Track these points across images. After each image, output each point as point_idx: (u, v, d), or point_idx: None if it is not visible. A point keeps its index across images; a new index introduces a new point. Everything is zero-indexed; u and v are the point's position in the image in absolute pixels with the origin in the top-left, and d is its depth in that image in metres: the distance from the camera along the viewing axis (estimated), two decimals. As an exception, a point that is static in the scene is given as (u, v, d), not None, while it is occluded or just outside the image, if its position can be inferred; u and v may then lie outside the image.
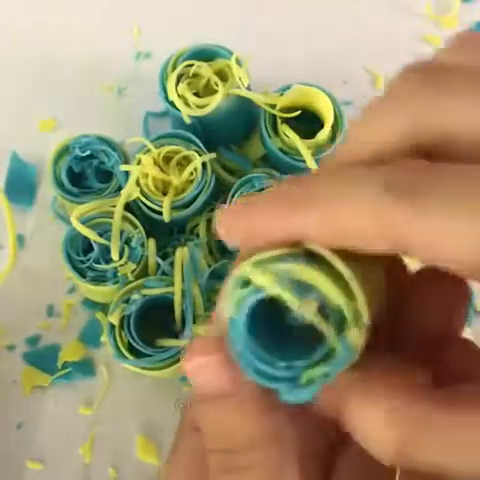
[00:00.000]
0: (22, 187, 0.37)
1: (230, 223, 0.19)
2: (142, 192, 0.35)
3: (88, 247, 0.35)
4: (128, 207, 0.35)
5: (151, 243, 0.35)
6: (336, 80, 0.38)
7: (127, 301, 0.33)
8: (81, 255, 0.34)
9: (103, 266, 0.34)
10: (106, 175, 0.37)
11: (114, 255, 0.34)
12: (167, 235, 0.37)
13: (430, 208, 0.16)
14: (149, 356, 0.33)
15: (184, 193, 0.35)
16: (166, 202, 0.34)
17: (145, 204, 0.35)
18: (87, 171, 0.37)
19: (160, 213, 0.35)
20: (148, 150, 0.35)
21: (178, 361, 0.33)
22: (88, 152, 0.36)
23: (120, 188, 0.35)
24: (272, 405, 0.19)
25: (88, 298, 0.37)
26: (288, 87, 0.36)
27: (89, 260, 0.34)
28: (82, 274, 0.34)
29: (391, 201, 0.16)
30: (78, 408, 0.35)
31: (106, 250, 0.34)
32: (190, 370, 0.19)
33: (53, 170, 0.36)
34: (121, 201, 0.34)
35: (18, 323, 0.37)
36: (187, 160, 0.36)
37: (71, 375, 0.36)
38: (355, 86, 0.42)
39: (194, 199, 0.35)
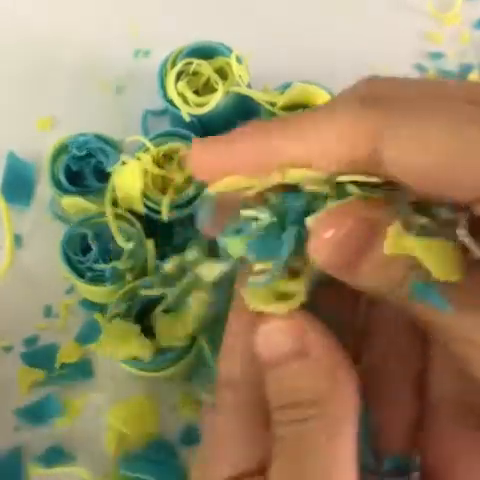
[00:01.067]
0: (19, 186, 0.37)
1: (204, 158, 0.22)
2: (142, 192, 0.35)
3: (86, 247, 0.34)
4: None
5: (150, 243, 0.34)
6: (337, 78, 0.37)
7: (126, 301, 0.33)
8: (79, 255, 0.34)
9: (102, 266, 0.34)
10: (105, 174, 0.36)
11: (120, 241, 0.33)
12: (167, 235, 0.36)
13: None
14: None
15: (184, 192, 0.35)
16: (165, 201, 0.34)
17: (144, 203, 0.35)
18: (85, 170, 0.36)
19: (159, 212, 0.34)
20: (147, 149, 0.35)
21: (177, 362, 0.33)
22: (85, 152, 0.36)
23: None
24: (342, 360, 0.22)
25: (86, 298, 0.36)
26: (288, 85, 0.36)
27: (88, 260, 0.34)
28: (80, 274, 0.34)
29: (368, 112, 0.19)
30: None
31: (105, 250, 0.34)
32: (262, 334, 0.22)
33: (51, 169, 0.36)
34: (108, 197, 0.34)
35: (15, 324, 0.37)
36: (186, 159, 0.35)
37: (69, 376, 0.35)
38: (356, 84, 0.42)
39: (194, 198, 0.35)
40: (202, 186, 0.35)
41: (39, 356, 0.36)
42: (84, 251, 0.34)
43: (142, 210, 0.34)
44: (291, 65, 0.39)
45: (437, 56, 0.43)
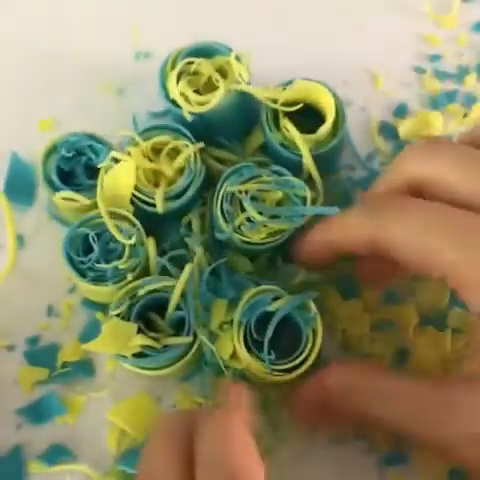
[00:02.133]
0: (22, 187, 0.37)
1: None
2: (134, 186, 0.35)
3: (88, 248, 0.35)
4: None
5: (150, 242, 0.35)
6: (336, 80, 0.38)
7: (126, 301, 0.33)
8: (81, 255, 0.34)
9: (103, 266, 0.34)
10: (96, 171, 0.36)
11: (119, 237, 0.34)
12: (162, 229, 0.37)
13: (390, 226, 0.30)
14: (149, 356, 0.33)
15: (175, 184, 0.35)
16: (159, 193, 0.34)
17: (138, 197, 0.35)
18: (76, 169, 0.37)
19: (153, 205, 0.35)
20: (137, 143, 0.35)
21: (178, 361, 0.33)
22: (73, 153, 0.36)
23: None
24: None
25: (88, 298, 0.37)
26: (290, 82, 0.36)
27: (89, 261, 0.34)
28: (82, 274, 0.34)
29: (372, 222, 0.31)
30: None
31: (106, 250, 0.34)
32: None
33: (43, 171, 0.36)
34: (99, 193, 0.34)
35: (18, 323, 0.37)
36: (175, 151, 0.36)
37: (70, 375, 0.35)
38: (355, 86, 0.42)
39: (186, 189, 0.35)
40: (193, 176, 0.35)
41: (41, 355, 0.36)
42: (86, 251, 0.35)
43: (130, 209, 0.35)
44: (290, 67, 0.39)
45: (435, 58, 0.43)
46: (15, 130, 0.41)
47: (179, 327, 0.33)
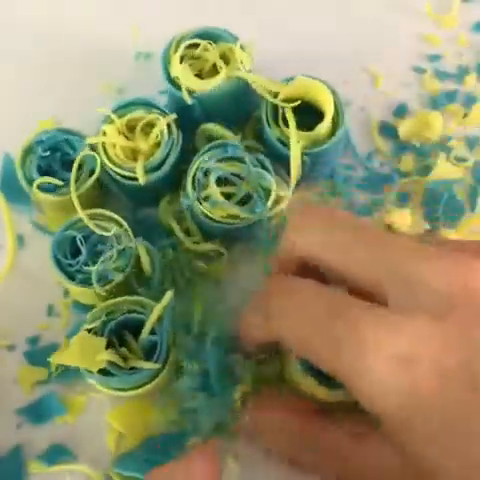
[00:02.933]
0: (21, 187, 0.37)
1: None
2: (114, 163, 0.35)
3: (76, 251, 0.35)
4: (102, 186, 0.37)
5: (142, 248, 0.34)
6: (336, 80, 0.38)
7: (101, 318, 0.33)
8: (69, 258, 0.34)
9: (91, 268, 0.34)
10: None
11: (98, 231, 0.34)
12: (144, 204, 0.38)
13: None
14: (115, 376, 0.32)
15: (153, 157, 0.35)
16: (139, 165, 0.35)
17: (118, 173, 0.35)
18: (54, 166, 0.37)
19: (135, 179, 0.35)
20: (112, 121, 0.36)
21: (144, 385, 0.32)
22: (49, 152, 0.36)
23: (93, 172, 0.36)
24: None
25: (78, 301, 0.37)
26: (291, 79, 0.36)
27: (77, 263, 0.34)
28: (71, 277, 0.34)
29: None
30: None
31: (94, 253, 0.34)
32: None
33: (23, 173, 0.36)
34: (73, 177, 0.35)
35: (18, 323, 0.37)
36: (150, 125, 0.36)
37: (70, 375, 0.35)
38: (355, 86, 0.42)
39: (164, 160, 0.35)
40: (170, 148, 0.35)
41: (41, 355, 0.36)
42: (74, 254, 0.35)
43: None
44: (290, 66, 0.39)
45: (435, 58, 0.43)
46: (15, 130, 0.41)
47: (152, 352, 0.32)
